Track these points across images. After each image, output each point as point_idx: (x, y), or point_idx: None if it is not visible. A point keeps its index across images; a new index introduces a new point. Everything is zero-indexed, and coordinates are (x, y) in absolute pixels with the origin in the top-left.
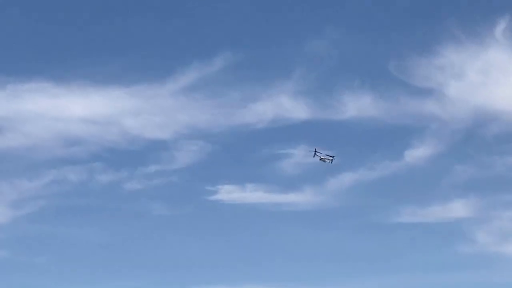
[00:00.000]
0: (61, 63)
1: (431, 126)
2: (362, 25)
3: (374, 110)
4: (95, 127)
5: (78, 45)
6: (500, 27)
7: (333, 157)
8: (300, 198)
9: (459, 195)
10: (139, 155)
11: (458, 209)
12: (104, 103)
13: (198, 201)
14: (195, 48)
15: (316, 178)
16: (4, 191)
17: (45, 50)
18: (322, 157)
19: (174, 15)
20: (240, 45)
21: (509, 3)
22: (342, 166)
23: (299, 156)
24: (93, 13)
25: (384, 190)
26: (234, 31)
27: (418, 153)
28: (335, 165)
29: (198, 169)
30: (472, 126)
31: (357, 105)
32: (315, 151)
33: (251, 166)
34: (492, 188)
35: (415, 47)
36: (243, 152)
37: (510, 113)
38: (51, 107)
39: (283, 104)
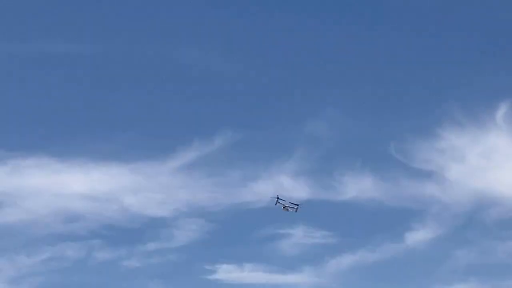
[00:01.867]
0: (62, 140)
1: (432, 209)
2: (363, 106)
3: (374, 192)
4: (95, 204)
5: (79, 121)
6: (501, 111)
7: (297, 205)
8: (299, 278)
9: (459, 279)
10: (138, 233)
11: None
12: (104, 179)
13: (197, 280)
14: (196, 127)
15: (316, 258)
16: (2, 267)
17: (46, 126)
18: (285, 205)
19: (175, 93)
20: (241, 125)
21: (509, 88)
22: (342, 248)
23: (298, 236)
24: (94, 90)
25: (384, 272)
26: (235, 110)
27: (418, 236)
28: (335, 246)
29: (197, 247)
30: (473, 210)
31: (358, 186)
32: (277, 198)
33: (250, 245)
34: (493, 273)
35: (416, 130)
36: (243, 231)
37: (511, 198)
38: (52, 183)
39: (283, 184)
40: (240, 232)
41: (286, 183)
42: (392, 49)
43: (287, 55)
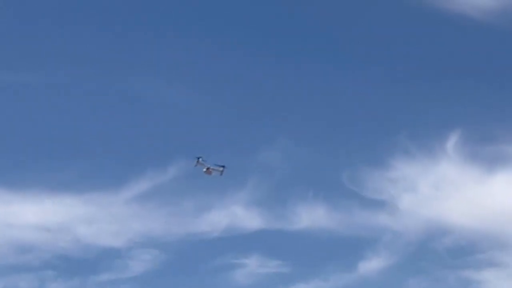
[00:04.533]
0: (14, 170)
1: (384, 238)
2: (316, 136)
3: (327, 221)
4: (48, 235)
5: (31, 151)
6: (451, 141)
7: (223, 167)
8: None
9: None
10: (92, 263)
11: None
12: (57, 210)
13: None
14: (149, 157)
15: None
16: None
17: None
18: (208, 167)
19: (127, 123)
20: (194, 154)
21: (460, 118)
22: (296, 277)
23: (252, 266)
24: (45, 119)
25: None
26: (188, 140)
27: (371, 265)
28: (288, 275)
29: (151, 278)
30: (425, 239)
31: (311, 216)
32: (198, 158)
33: (204, 275)
34: None
35: (368, 159)
36: (196, 262)
37: (462, 227)
38: (4, 213)
39: (237, 214)
40: (194, 263)
41: (240, 213)
42: (344, 79)
43: (239, 84)
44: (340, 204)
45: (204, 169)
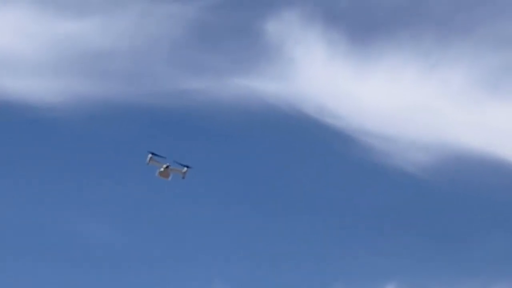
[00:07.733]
0: None
1: None
2: (249, 281)
3: None
4: None
5: None
6: None
7: (187, 167)
8: None
9: None
10: None
11: None
12: None
13: None
14: None
15: None
16: None
17: None
18: (168, 165)
19: (69, 268)
20: None
21: (395, 271)
22: None
23: None
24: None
25: None
26: (127, 283)
27: None
28: None
29: None
30: None
31: None
32: (152, 154)
33: None
34: None
35: None
36: None
37: None
38: None
39: None
40: None
41: None
42: (278, 227)
43: (177, 226)
44: None
45: (161, 169)
